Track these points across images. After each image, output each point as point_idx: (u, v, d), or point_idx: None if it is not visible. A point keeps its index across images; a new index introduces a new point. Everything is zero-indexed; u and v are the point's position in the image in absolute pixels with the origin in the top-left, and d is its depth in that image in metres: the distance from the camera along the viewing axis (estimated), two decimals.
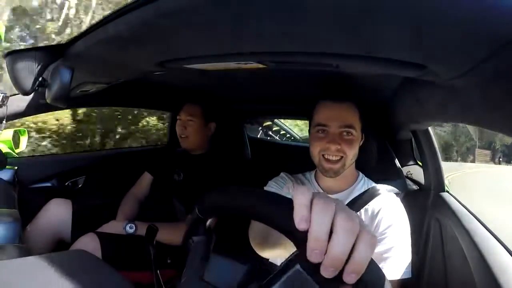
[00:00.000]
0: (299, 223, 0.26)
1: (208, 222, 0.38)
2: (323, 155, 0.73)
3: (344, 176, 0.79)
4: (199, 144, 1.23)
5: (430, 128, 0.89)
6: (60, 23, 5.35)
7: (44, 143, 3.29)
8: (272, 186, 0.80)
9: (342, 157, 0.72)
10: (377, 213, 0.72)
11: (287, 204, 0.28)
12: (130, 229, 1.03)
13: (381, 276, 0.27)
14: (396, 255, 0.67)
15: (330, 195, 0.85)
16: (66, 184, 1.31)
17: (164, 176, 1.25)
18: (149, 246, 0.75)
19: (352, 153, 0.73)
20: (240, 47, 0.43)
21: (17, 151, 1.53)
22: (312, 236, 0.25)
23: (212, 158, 1.23)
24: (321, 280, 0.26)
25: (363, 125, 0.76)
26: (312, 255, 0.25)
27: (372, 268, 0.26)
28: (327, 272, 0.25)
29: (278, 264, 0.29)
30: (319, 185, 0.82)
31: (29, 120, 3.00)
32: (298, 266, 0.27)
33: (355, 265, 0.25)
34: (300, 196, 0.27)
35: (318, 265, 0.25)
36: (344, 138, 0.72)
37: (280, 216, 0.28)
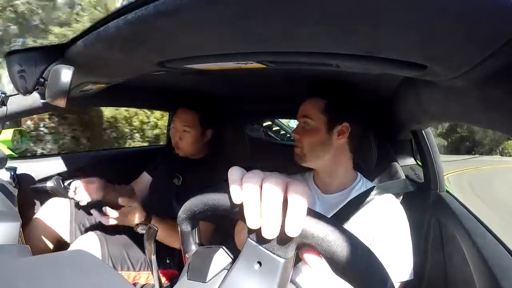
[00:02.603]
0: (234, 198, 0.28)
1: (195, 234, 0.39)
2: None
3: (341, 176, 0.79)
4: (195, 152, 1.20)
5: (430, 128, 0.89)
6: None
7: None
8: None
9: (300, 146, 0.78)
10: (376, 214, 0.72)
11: (227, 188, 0.29)
12: (141, 230, 1.03)
13: (326, 231, 0.27)
14: (396, 257, 0.67)
15: (327, 196, 0.86)
16: (66, 184, 1.31)
17: (163, 179, 1.24)
18: (148, 246, 0.76)
19: (308, 143, 0.77)
20: (240, 47, 0.43)
21: (17, 151, 1.52)
22: (245, 204, 0.27)
23: (211, 162, 1.22)
24: (272, 247, 0.28)
25: (331, 117, 0.76)
26: (250, 221, 0.26)
27: (313, 222, 0.27)
28: (266, 231, 0.26)
29: None
30: (316, 185, 0.82)
31: None
32: (248, 239, 0.29)
33: (290, 214, 0.26)
34: (231, 175, 0.29)
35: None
36: (303, 129, 0.78)
37: (223, 200, 0.31)
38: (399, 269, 0.66)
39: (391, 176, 0.92)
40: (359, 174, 0.82)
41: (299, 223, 0.26)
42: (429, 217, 0.88)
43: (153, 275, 0.47)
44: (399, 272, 0.66)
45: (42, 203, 1.14)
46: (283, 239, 0.27)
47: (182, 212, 0.37)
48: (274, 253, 0.28)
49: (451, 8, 0.23)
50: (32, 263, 0.41)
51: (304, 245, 0.27)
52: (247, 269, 0.29)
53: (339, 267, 0.26)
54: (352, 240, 0.27)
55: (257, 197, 0.27)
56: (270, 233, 0.26)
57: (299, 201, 0.26)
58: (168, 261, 1.08)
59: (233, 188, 0.28)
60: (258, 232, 0.27)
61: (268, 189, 0.26)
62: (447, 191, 0.90)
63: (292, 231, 0.26)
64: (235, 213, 0.29)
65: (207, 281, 0.33)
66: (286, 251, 0.28)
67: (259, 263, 0.28)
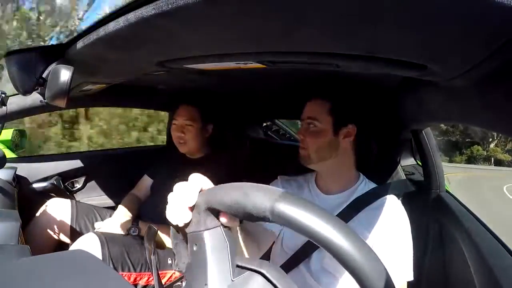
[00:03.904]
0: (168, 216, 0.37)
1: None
2: None
3: (344, 177, 0.79)
4: (198, 148, 1.21)
5: (429, 128, 0.89)
6: None
7: None
8: None
9: (305, 148, 0.77)
10: (378, 215, 0.71)
11: None
12: (133, 233, 1.04)
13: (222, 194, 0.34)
14: (400, 258, 0.67)
15: (329, 196, 0.85)
16: (66, 184, 1.31)
17: (164, 180, 1.23)
18: (148, 247, 0.76)
19: (314, 145, 0.76)
20: (240, 47, 0.43)
21: (17, 151, 1.52)
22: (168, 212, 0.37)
23: (212, 161, 1.21)
24: (196, 227, 0.35)
25: (337, 119, 0.76)
26: (172, 221, 0.36)
27: (210, 191, 0.36)
28: (175, 218, 0.36)
29: None
30: (318, 186, 0.82)
31: None
32: (187, 234, 0.37)
33: (185, 190, 0.36)
34: (170, 199, 0.37)
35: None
36: (309, 130, 0.77)
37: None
38: (404, 269, 0.66)
39: (391, 176, 0.92)
40: (361, 175, 0.82)
41: (192, 195, 0.35)
42: (429, 217, 0.88)
43: (153, 275, 0.47)
44: (404, 272, 0.66)
45: (42, 203, 1.14)
46: (196, 215, 0.35)
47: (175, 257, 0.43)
48: (198, 231, 0.35)
49: (451, 9, 0.23)
50: (32, 263, 0.41)
51: (216, 211, 0.34)
52: (191, 254, 0.35)
53: (239, 212, 0.31)
54: (238, 186, 0.33)
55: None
56: (178, 218, 0.35)
57: (191, 181, 0.36)
58: (169, 262, 1.08)
59: (169, 208, 0.37)
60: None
61: (175, 190, 0.37)
62: (447, 191, 0.90)
63: (187, 202, 0.35)
64: (178, 226, 0.37)
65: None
66: (201, 223, 0.34)
67: (196, 244, 0.35)
